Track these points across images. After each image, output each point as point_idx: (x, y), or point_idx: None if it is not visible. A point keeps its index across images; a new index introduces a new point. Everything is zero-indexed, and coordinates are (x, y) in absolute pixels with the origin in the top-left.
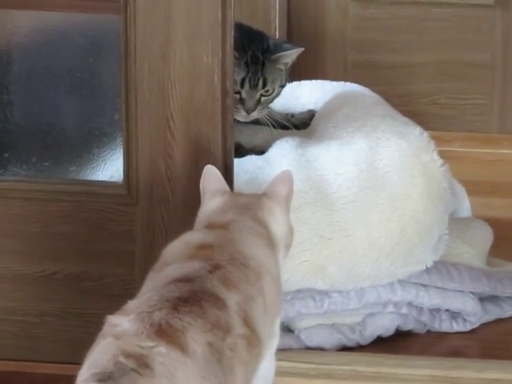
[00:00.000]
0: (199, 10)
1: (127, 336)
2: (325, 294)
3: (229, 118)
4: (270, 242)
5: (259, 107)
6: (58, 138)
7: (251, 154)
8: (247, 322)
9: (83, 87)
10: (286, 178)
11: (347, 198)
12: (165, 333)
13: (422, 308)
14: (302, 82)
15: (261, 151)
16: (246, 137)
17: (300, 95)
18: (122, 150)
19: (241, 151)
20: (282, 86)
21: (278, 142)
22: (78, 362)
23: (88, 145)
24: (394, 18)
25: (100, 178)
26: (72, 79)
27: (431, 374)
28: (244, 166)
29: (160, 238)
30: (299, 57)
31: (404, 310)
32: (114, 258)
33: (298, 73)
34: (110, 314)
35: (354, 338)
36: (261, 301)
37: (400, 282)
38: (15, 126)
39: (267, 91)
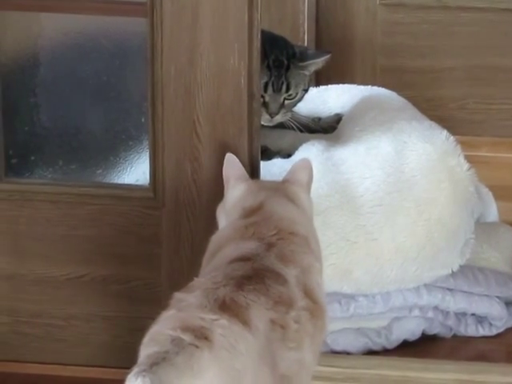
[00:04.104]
0: (226, 13)
1: (190, 309)
2: (351, 297)
3: (255, 121)
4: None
5: (283, 111)
6: (85, 141)
7: (277, 157)
8: (307, 293)
9: (110, 90)
10: (306, 165)
11: (373, 201)
12: (228, 308)
13: (447, 312)
14: (330, 86)
15: (287, 154)
16: (272, 140)
17: (327, 99)
18: (148, 153)
19: (267, 154)
20: (306, 90)
21: (304, 146)
22: (104, 365)
23: (114, 148)
24: (423, 23)
25: (126, 181)
26: (98, 82)
27: (457, 378)
28: (270, 170)
29: (186, 241)
30: (328, 61)
31: (430, 314)
32: (141, 261)
33: (327, 77)
34: (136, 317)
35: (379, 342)
36: (318, 266)
37: (426, 286)
38: (42, 128)
39: (290, 95)
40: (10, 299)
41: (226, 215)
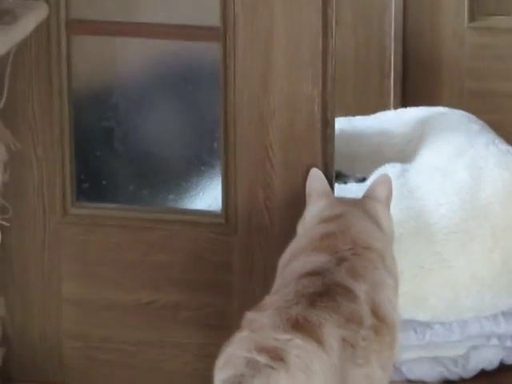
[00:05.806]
0: (299, 39)
1: (264, 329)
2: (426, 325)
3: (329, 148)
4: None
5: None
6: (157, 165)
7: (352, 181)
8: (374, 310)
9: (182, 115)
10: (385, 180)
11: (449, 228)
12: (301, 327)
13: None
14: (407, 108)
15: (362, 178)
16: (345, 164)
17: (403, 119)
18: (220, 178)
19: (341, 178)
20: None
21: (379, 170)
22: None
23: (186, 173)
24: (511, 46)
25: (198, 207)
26: (171, 107)
27: None
28: (346, 196)
29: (258, 268)
30: (416, 83)
31: (508, 342)
32: (212, 288)
33: (413, 100)
34: (207, 344)
35: (456, 371)
36: (391, 283)
37: (504, 313)
38: (114, 153)
39: None
40: (80, 324)
41: (305, 229)
